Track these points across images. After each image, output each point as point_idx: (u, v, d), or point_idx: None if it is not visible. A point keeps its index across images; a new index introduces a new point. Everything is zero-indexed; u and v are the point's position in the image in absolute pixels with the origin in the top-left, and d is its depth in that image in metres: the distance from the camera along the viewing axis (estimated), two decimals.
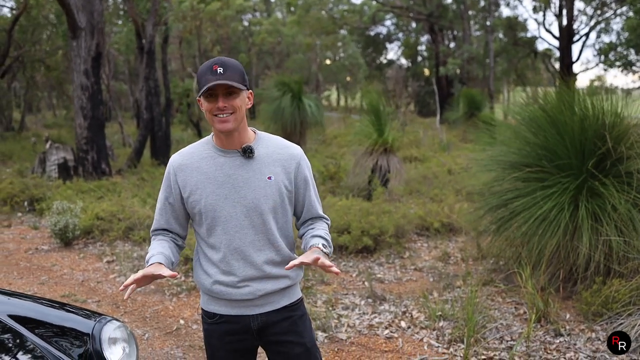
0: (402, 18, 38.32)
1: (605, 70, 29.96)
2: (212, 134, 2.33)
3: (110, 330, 2.59)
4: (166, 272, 2.09)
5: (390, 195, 9.46)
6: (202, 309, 2.40)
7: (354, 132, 11.74)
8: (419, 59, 44.75)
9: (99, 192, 9.91)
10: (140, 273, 2.07)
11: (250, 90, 2.26)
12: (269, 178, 2.24)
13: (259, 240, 2.25)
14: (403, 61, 46.35)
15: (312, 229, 2.34)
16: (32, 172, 11.98)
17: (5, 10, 25.74)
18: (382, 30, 44.61)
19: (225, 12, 23.69)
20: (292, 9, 34.87)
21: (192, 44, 28.08)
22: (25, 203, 9.42)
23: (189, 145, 2.40)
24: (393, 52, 69.39)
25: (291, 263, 2.09)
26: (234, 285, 2.26)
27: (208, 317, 2.37)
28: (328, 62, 40.16)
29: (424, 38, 41.77)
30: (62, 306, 2.87)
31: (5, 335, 2.48)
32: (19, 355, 2.37)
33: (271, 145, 2.30)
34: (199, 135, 21.96)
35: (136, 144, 14.64)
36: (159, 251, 2.24)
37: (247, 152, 2.24)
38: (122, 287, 2.05)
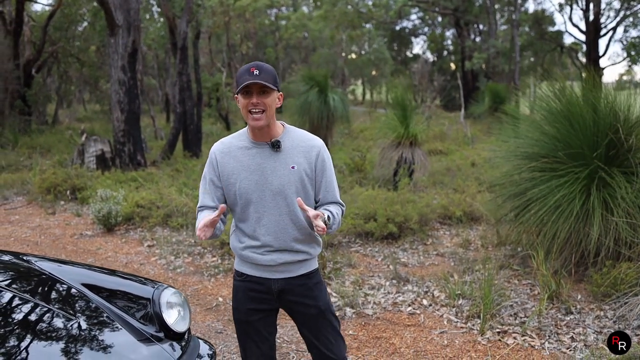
0: (428, 12, 38.39)
1: (629, 66, 29.67)
2: (247, 127, 2.69)
3: (168, 295, 2.96)
4: (215, 213, 2.48)
5: (415, 186, 9.76)
6: (235, 269, 2.84)
7: (379, 126, 12.00)
8: (445, 53, 44.65)
9: (137, 182, 10.39)
10: (202, 223, 2.47)
11: (281, 92, 2.66)
12: (293, 167, 2.63)
13: (283, 220, 2.65)
14: (429, 55, 46.32)
15: (326, 207, 2.71)
16: (72, 163, 12.45)
17: (38, 7, 26.44)
18: (408, 24, 44.70)
19: (254, 5, 24.02)
20: (319, 3, 35.12)
21: (221, 39, 28.52)
22: (68, 192, 9.93)
23: (228, 135, 2.81)
24: (419, 46, 69.18)
25: (303, 205, 2.48)
26: (260, 253, 2.68)
27: (238, 276, 2.81)
28: (354, 56, 40.38)
29: (450, 32, 41.74)
30: (113, 273, 3.27)
31: (82, 302, 2.85)
32: (91, 318, 2.71)
33: (296, 139, 2.68)
34: (228, 128, 22.43)
35: (170, 136, 15.09)
36: (205, 214, 2.66)
37: (275, 146, 2.63)
38: (199, 230, 2.45)
